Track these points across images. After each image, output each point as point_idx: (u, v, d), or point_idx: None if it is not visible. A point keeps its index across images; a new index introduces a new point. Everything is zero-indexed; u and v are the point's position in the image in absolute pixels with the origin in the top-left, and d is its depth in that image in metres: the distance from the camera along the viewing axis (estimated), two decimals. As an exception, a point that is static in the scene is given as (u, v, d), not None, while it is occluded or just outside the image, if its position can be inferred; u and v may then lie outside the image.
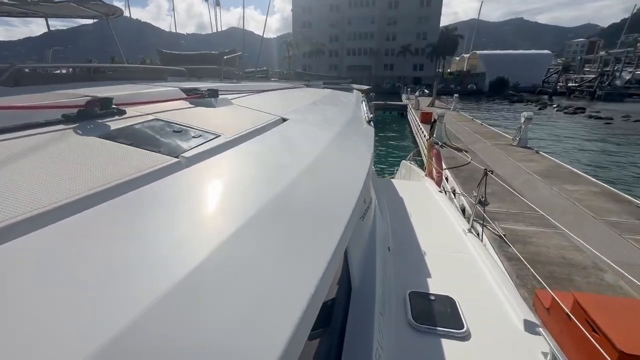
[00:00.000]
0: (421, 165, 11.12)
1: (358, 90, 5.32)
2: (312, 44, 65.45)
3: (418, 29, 63.92)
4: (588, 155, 15.07)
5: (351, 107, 3.35)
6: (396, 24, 64.89)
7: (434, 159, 5.43)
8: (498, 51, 70.45)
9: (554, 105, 34.27)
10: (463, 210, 5.63)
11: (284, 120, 1.88)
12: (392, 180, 4.95)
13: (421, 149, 13.09)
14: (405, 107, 27.41)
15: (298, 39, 66.28)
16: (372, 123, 2.64)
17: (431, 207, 3.57)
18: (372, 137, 2.20)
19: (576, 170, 7.93)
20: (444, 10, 67.65)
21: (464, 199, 5.79)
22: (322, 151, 1.43)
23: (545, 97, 46.13)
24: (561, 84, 55.03)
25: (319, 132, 1.99)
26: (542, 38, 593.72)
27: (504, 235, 4.42)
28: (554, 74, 60.73)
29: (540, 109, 33.66)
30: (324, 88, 5.22)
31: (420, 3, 62.76)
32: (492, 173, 2.91)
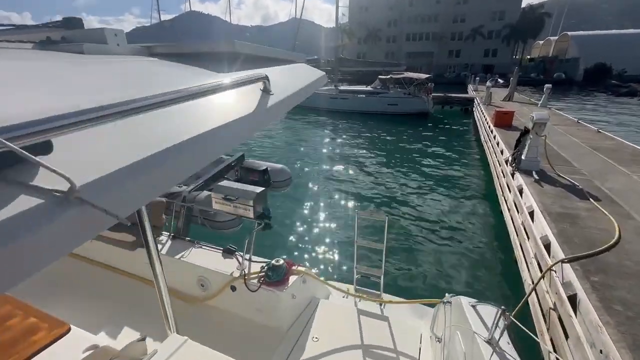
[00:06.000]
0: (505, 248, 6.01)
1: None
2: (368, 30, 59.77)
3: (494, 7, 54.16)
4: None
5: None
6: (467, 3, 55.84)
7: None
8: (598, 31, 57.04)
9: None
10: None
11: None
12: None
13: (496, 185, 8.04)
14: (471, 100, 21.50)
15: (353, 25, 61.14)
16: None
17: None
18: None
19: None
20: (528, -15, 56.52)
21: None
22: None
23: (668, 89, 35.19)
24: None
25: None
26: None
27: None
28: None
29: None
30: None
31: (498, -23, 53.08)
32: None
